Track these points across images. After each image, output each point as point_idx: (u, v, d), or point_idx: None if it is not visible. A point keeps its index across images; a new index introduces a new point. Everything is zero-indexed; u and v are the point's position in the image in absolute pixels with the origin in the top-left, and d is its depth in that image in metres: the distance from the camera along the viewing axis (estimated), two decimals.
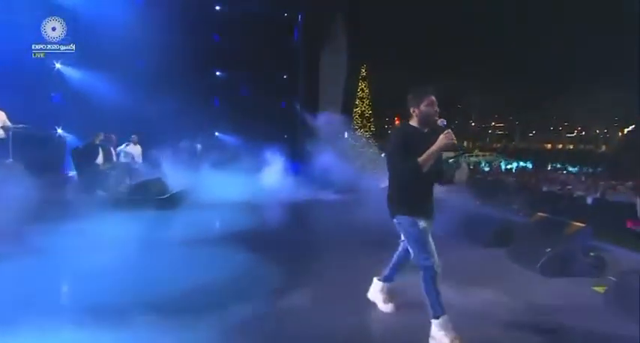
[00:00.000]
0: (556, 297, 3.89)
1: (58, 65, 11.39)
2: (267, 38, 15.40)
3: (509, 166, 27.20)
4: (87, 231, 5.55)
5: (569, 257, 4.38)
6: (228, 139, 15.67)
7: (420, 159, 2.82)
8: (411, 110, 3.05)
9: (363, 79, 38.51)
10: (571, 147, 46.66)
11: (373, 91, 38.71)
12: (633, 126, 29.61)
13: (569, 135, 48.69)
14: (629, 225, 8.54)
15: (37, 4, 10.78)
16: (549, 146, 47.67)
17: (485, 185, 12.93)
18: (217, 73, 16.20)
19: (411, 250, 3.04)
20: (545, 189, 13.10)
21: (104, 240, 5.14)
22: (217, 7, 15.75)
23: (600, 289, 3.92)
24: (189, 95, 13.04)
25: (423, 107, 2.99)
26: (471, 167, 26.06)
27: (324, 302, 3.67)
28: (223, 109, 15.70)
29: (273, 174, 11.60)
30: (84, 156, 8.87)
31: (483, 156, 31.38)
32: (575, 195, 11.87)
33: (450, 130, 2.85)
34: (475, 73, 40.45)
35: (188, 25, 13.43)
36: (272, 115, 15.49)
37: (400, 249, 3.39)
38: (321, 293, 3.86)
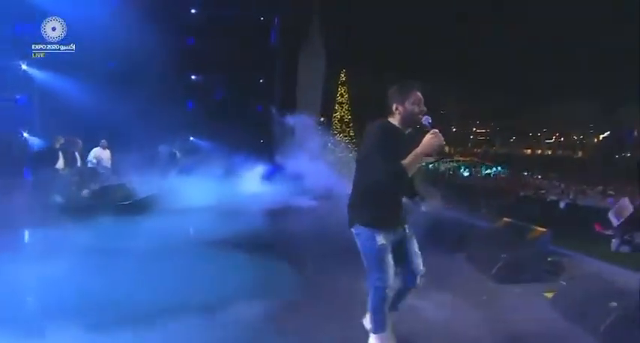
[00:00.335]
0: (512, 302, 3.84)
1: (24, 66, 11.08)
2: (244, 41, 15.28)
3: (488, 171, 27.61)
4: (28, 238, 5.32)
5: (524, 263, 4.34)
6: (203, 144, 15.45)
7: (404, 162, 2.45)
8: (394, 107, 2.66)
9: (343, 83, 38.48)
10: (549, 152, 47.66)
11: (353, 96, 38.70)
12: (608, 133, 30.37)
13: (547, 141, 49.65)
14: (597, 228, 8.68)
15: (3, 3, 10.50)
16: (529, 151, 48.61)
17: (458, 189, 13.04)
18: (192, 77, 15.99)
19: (365, 264, 2.69)
20: (521, 193, 13.33)
21: (42, 249, 4.92)
22: (193, 10, 15.58)
23: (549, 294, 3.89)
24: (163, 99, 12.82)
25: (408, 105, 2.62)
26: (451, 172, 26.40)
27: (298, 312, 3.53)
28: (198, 113, 15.48)
29: (249, 179, 11.39)
30: (41, 161, 8.56)
31: (464, 161, 31.71)
32: (548, 200, 12.08)
33: (437, 130, 2.52)
34: (457, 77, 40.89)
35: (163, 28, 13.21)
36: (248, 120, 15.35)
37: (400, 271, 2.79)
38: (295, 304, 3.73)
